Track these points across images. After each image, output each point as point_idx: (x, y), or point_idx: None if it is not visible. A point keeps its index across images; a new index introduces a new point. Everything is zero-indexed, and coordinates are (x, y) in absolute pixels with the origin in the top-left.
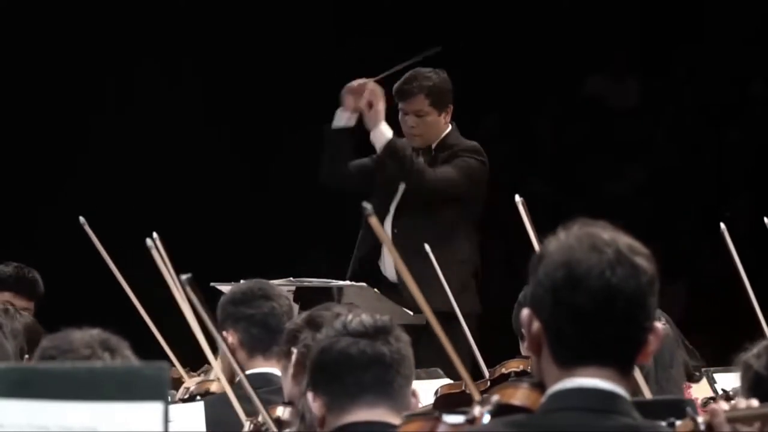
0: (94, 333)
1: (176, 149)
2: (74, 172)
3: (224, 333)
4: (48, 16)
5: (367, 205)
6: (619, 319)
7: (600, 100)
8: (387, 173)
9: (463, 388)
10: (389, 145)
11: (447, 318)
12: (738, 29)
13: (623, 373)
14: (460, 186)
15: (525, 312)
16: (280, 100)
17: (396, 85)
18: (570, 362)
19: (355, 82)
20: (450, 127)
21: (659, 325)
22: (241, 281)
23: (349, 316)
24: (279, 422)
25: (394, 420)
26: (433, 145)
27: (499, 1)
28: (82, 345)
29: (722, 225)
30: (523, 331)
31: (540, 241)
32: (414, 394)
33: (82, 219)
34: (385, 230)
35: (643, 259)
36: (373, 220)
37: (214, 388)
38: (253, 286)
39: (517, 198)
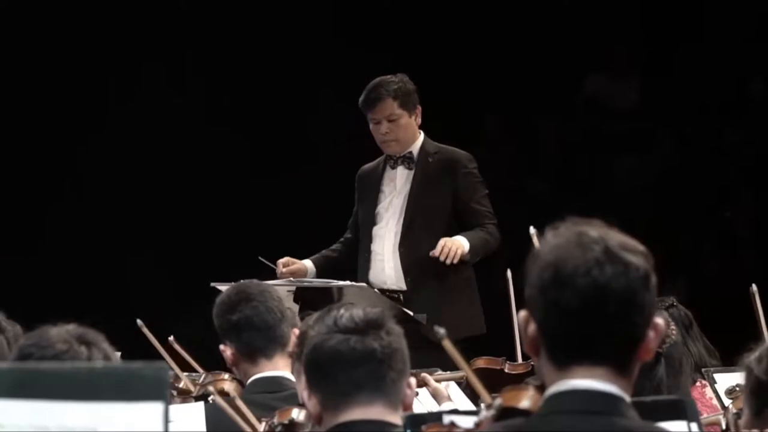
0: (70, 328)
1: (176, 148)
2: (75, 171)
3: (222, 346)
4: (49, 14)
5: (440, 330)
6: (610, 317)
7: (600, 100)
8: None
9: (502, 366)
10: (472, 252)
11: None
12: (738, 29)
13: (621, 372)
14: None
15: (522, 314)
16: (281, 101)
17: (361, 98)
18: (565, 363)
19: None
20: (422, 133)
21: (659, 320)
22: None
23: (341, 311)
24: (293, 424)
25: (391, 417)
26: (414, 152)
27: (499, 1)
28: (59, 340)
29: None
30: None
31: None
32: (410, 385)
33: (139, 321)
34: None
35: (635, 256)
36: (447, 343)
37: (227, 387)
38: (230, 292)
39: (532, 230)
